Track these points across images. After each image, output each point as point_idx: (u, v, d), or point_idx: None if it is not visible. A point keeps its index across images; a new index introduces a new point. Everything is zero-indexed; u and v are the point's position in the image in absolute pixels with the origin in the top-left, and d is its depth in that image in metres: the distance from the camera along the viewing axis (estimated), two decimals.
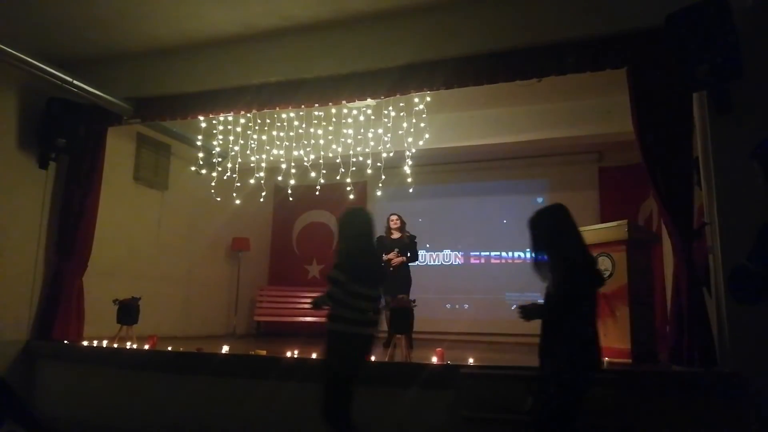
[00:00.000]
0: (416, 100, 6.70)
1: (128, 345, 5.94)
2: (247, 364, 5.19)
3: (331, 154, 7.42)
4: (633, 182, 7.97)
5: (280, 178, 7.54)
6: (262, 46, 6.05)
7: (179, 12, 5.66)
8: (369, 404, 4.54)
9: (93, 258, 6.62)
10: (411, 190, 7.00)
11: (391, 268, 6.67)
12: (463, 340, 8.09)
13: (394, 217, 6.87)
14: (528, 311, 3.29)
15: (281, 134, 7.50)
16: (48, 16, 5.72)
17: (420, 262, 7.77)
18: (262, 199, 7.76)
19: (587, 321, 3.22)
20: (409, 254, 6.71)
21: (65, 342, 6.16)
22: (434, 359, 4.77)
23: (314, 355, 5.16)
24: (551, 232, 3.36)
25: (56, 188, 6.68)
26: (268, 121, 7.44)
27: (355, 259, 3.66)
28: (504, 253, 9.66)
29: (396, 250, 6.65)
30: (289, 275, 10.48)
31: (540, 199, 9.51)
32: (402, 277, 6.62)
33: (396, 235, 6.79)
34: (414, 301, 5.49)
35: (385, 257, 6.72)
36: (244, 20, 5.77)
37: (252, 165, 7.63)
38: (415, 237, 6.83)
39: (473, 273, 9.71)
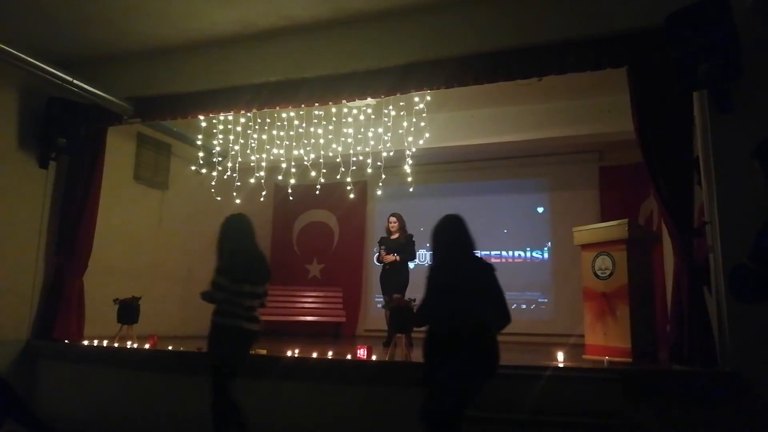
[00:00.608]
0: (416, 99, 6.70)
1: (129, 344, 5.94)
2: (247, 364, 5.18)
3: (331, 154, 7.42)
4: (633, 181, 7.98)
5: (280, 177, 7.54)
6: (262, 46, 6.06)
7: (179, 11, 5.66)
8: (369, 403, 4.56)
9: (93, 257, 6.63)
10: (411, 190, 6.99)
11: (387, 266, 6.69)
12: None
13: (392, 219, 6.88)
14: None
15: (281, 133, 7.50)
16: (48, 16, 5.72)
17: (419, 261, 7.75)
18: (262, 199, 7.74)
19: (436, 328, 3.35)
20: (399, 253, 6.71)
21: (66, 341, 6.17)
22: None
23: (314, 355, 5.17)
24: (433, 241, 3.61)
25: (56, 188, 6.69)
26: (268, 120, 7.44)
27: (236, 261, 3.97)
28: (504, 253, 9.67)
29: (382, 248, 6.68)
30: (290, 274, 10.48)
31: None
32: (397, 277, 6.62)
33: (395, 235, 6.81)
34: (414, 300, 5.49)
35: (380, 256, 6.76)
36: (245, 19, 5.77)
37: (252, 164, 7.62)
38: (412, 236, 6.84)
39: None
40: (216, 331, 3.95)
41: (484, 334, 3.32)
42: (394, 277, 6.63)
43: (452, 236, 3.59)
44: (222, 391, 3.94)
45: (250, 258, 4.07)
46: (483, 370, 3.32)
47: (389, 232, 6.87)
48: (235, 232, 4.19)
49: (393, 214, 6.94)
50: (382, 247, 6.76)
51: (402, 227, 6.84)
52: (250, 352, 4.18)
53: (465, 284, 3.34)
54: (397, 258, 6.69)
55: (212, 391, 3.95)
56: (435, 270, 3.45)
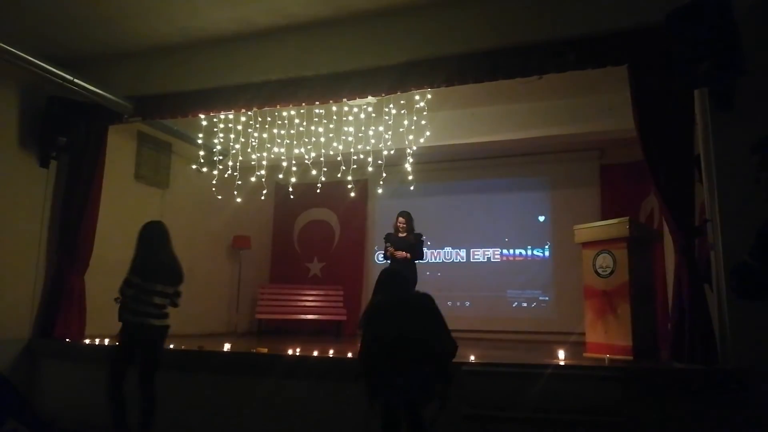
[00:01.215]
0: (417, 97, 6.70)
1: None
2: (248, 362, 5.20)
3: (332, 152, 7.41)
4: (634, 179, 7.97)
5: (281, 176, 7.54)
6: (262, 44, 6.05)
7: (180, 10, 5.66)
8: None
9: (94, 256, 6.63)
10: (412, 188, 6.99)
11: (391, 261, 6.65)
12: (465, 338, 8.08)
13: (401, 219, 6.81)
14: None
15: (282, 132, 7.50)
16: (49, 15, 5.72)
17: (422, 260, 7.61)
18: (263, 197, 7.75)
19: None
20: (408, 252, 6.68)
21: (67, 340, 6.17)
22: None
23: (315, 353, 5.18)
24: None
25: (57, 187, 6.69)
26: (268, 119, 7.43)
27: (147, 262, 4.44)
28: (505, 251, 9.67)
29: (388, 244, 6.66)
30: (290, 273, 10.49)
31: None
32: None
33: (403, 234, 6.76)
34: None
35: (388, 252, 6.71)
36: (245, 18, 5.77)
37: (253, 163, 7.62)
38: (421, 236, 6.80)
39: (475, 270, 9.71)
40: (124, 326, 4.43)
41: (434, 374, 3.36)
42: None
43: (386, 282, 3.67)
44: (116, 381, 4.40)
45: (161, 261, 4.52)
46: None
47: (397, 230, 6.82)
48: (149, 237, 4.63)
49: (402, 214, 6.84)
50: (388, 243, 6.71)
51: (411, 227, 6.80)
52: (163, 345, 4.68)
53: (406, 329, 3.34)
54: (408, 256, 6.64)
55: (107, 380, 4.42)
56: (373, 312, 3.48)
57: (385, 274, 3.72)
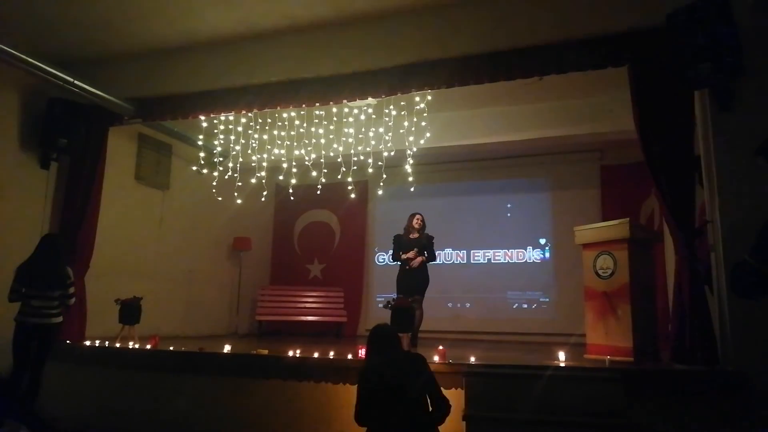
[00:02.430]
0: (417, 98, 6.69)
1: (130, 345, 5.94)
2: (248, 364, 5.19)
3: (332, 154, 7.41)
4: (635, 181, 7.97)
5: (281, 177, 7.54)
6: (263, 46, 6.06)
7: (180, 12, 5.67)
8: None
9: (95, 258, 6.63)
10: (412, 189, 6.98)
11: (408, 267, 6.61)
12: (465, 339, 8.09)
13: (418, 217, 6.80)
14: None
15: (282, 134, 7.49)
16: (49, 17, 5.73)
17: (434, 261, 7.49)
18: (263, 199, 7.75)
19: None
20: (426, 254, 6.67)
21: (67, 342, 6.16)
22: (436, 358, 4.76)
23: (316, 355, 5.17)
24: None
25: (58, 188, 6.70)
26: (269, 120, 7.43)
27: (29, 271, 5.14)
28: (506, 252, 9.66)
29: (415, 249, 6.61)
30: (291, 274, 10.49)
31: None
32: (419, 277, 6.58)
33: (414, 234, 6.75)
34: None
35: (403, 256, 6.66)
36: (246, 20, 5.77)
37: (253, 164, 7.62)
38: (432, 237, 6.80)
39: (475, 272, 9.71)
40: (17, 324, 5.14)
41: None
42: (417, 278, 6.57)
43: (377, 342, 3.65)
44: (20, 368, 5.07)
45: (42, 269, 5.17)
46: None
47: (408, 231, 6.79)
48: (36, 250, 5.30)
49: (419, 213, 6.90)
50: (415, 249, 6.65)
51: (424, 227, 6.80)
52: (54, 339, 5.39)
53: (400, 391, 3.34)
54: (423, 258, 6.63)
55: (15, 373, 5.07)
56: (367, 373, 3.47)
57: (376, 333, 3.71)
